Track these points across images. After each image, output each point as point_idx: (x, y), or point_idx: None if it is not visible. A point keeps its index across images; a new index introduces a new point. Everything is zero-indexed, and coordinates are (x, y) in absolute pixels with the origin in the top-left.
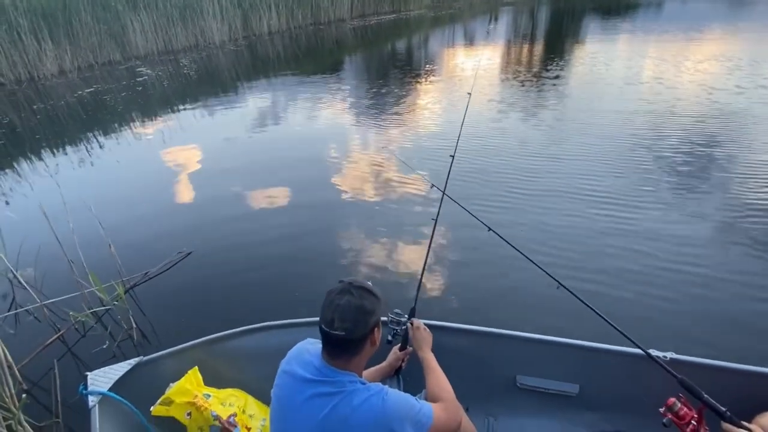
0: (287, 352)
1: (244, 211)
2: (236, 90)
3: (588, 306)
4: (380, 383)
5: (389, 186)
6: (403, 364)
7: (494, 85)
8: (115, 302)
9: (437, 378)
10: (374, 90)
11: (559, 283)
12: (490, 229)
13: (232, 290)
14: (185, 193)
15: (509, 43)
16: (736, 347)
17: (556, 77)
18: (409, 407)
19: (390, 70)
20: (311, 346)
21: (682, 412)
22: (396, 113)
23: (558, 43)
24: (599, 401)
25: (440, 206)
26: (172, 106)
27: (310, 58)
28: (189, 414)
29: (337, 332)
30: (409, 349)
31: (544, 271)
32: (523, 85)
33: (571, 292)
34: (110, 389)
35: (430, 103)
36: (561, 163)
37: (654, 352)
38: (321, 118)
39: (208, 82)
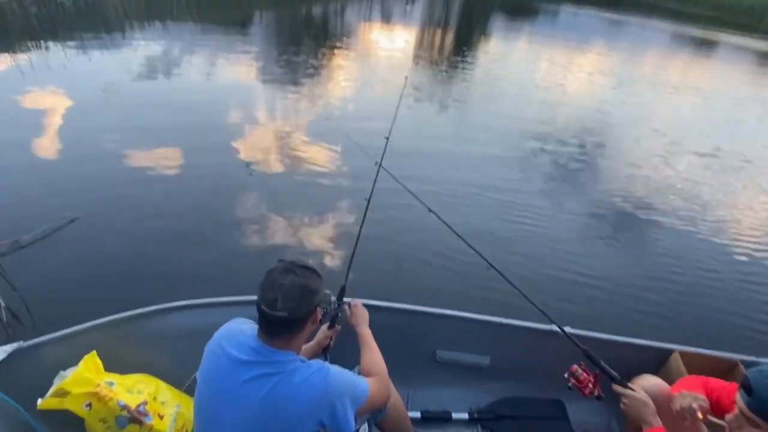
0: (207, 333)
1: (137, 174)
2: (123, 31)
3: (515, 287)
4: (319, 360)
5: (297, 159)
6: (331, 342)
7: (408, 71)
8: None
9: (372, 354)
10: (286, 57)
11: (490, 264)
12: (430, 210)
13: (126, 266)
14: (60, 147)
15: (424, 27)
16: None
17: (465, 72)
18: (350, 382)
19: (304, 38)
20: (245, 326)
21: (582, 377)
22: (309, 86)
23: (468, 36)
24: (507, 371)
25: (374, 184)
26: (38, 39)
27: (216, 7)
28: (89, 405)
29: (279, 313)
30: (338, 327)
31: (478, 252)
32: (440, 74)
33: (500, 274)
34: None
35: (344, 81)
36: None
37: (556, 327)
38: (223, 78)
39: (89, 16)
